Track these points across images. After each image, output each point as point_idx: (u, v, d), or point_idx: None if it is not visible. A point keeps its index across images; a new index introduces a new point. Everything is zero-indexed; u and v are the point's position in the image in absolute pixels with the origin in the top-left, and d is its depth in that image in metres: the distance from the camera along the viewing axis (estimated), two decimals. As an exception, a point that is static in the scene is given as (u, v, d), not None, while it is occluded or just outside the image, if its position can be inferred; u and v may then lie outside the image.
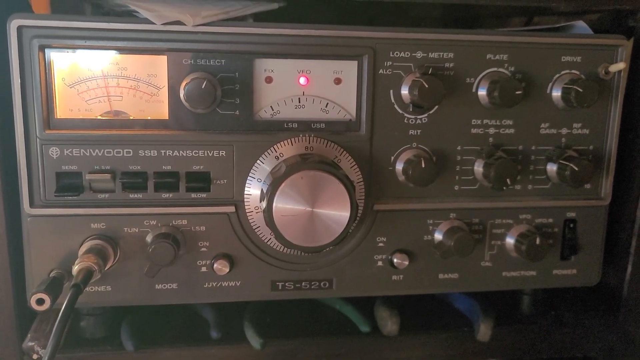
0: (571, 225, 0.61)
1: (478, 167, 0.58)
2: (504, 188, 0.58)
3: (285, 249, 0.56)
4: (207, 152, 0.54)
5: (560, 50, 0.58)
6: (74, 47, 0.51)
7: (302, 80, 0.55)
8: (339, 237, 0.51)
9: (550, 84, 0.58)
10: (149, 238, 0.54)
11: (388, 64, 0.55)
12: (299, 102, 0.55)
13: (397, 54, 0.55)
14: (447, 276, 0.60)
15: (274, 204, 0.50)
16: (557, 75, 0.58)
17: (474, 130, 0.58)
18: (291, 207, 0.50)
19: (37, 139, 0.51)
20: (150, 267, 0.53)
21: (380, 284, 0.59)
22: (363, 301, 0.65)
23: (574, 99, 0.56)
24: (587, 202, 0.61)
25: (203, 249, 0.55)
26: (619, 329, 0.66)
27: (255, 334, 0.60)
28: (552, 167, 0.59)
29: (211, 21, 0.52)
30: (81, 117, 0.52)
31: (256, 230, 0.56)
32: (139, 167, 0.53)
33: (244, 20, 0.54)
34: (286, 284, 0.58)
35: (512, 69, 0.57)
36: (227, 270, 0.55)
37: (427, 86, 0.52)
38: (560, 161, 0.58)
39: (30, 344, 0.56)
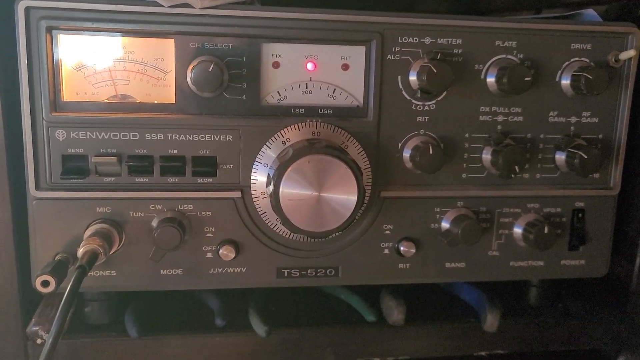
0: (580, 215, 0.61)
1: (486, 155, 0.57)
2: (512, 176, 0.57)
3: (292, 235, 0.56)
4: (214, 137, 0.54)
5: (570, 38, 0.57)
6: (81, 30, 0.51)
7: (309, 65, 0.55)
8: (346, 222, 0.51)
9: (560, 72, 0.58)
10: (154, 222, 0.54)
11: (396, 50, 0.55)
12: (306, 87, 0.55)
13: (405, 39, 0.55)
14: (453, 265, 0.60)
15: (281, 189, 0.50)
16: (567, 62, 0.58)
17: (482, 118, 0.57)
18: (298, 191, 0.50)
19: (44, 121, 0.51)
20: (156, 251, 0.52)
21: (386, 273, 0.59)
22: (368, 291, 0.65)
23: (583, 87, 0.55)
24: (596, 191, 0.61)
25: (209, 235, 0.55)
26: (627, 321, 0.66)
27: (260, 322, 0.59)
28: (560, 156, 0.59)
29: (219, 4, 0.51)
30: (88, 100, 0.52)
31: (262, 216, 0.55)
32: (145, 151, 0.53)
33: (251, 4, 0.54)
34: (292, 271, 0.58)
35: (521, 56, 0.57)
36: (233, 256, 0.55)
37: (435, 71, 0.52)
38: (569, 149, 0.57)
39: (34, 328, 0.55)
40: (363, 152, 0.55)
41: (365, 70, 0.55)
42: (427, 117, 0.56)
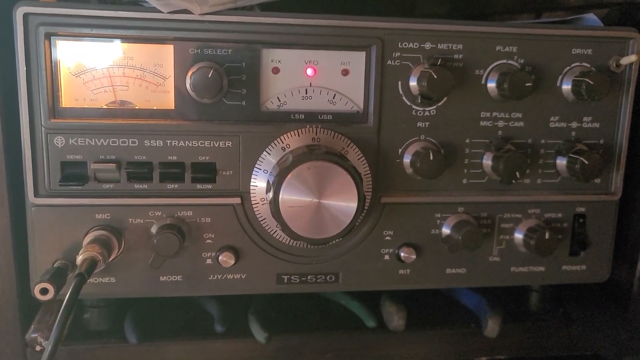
0: (581, 220, 0.61)
1: (487, 161, 0.57)
2: (513, 181, 0.57)
3: (291, 241, 0.56)
4: (213, 143, 0.53)
5: (571, 43, 0.57)
6: (80, 36, 0.51)
7: (309, 71, 0.54)
8: (346, 229, 0.51)
9: (561, 77, 0.57)
10: (153, 229, 0.53)
11: (396, 55, 0.54)
12: (306, 93, 0.55)
13: (405, 44, 0.54)
14: (454, 271, 0.60)
15: (281, 195, 0.50)
16: (568, 67, 0.57)
17: (482, 123, 0.57)
18: (298, 198, 0.50)
19: (42, 128, 0.51)
20: (155, 258, 0.52)
21: (386, 279, 0.59)
22: (369, 296, 0.65)
23: (584, 92, 0.55)
24: (597, 196, 0.60)
25: (208, 241, 0.55)
26: (628, 326, 0.65)
27: (260, 328, 0.59)
28: (561, 161, 0.58)
29: (218, 10, 0.51)
30: (86, 106, 0.52)
31: (262, 222, 0.55)
32: (144, 157, 0.53)
33: (251, 10, 0.54)
34: (292, 277, 0.57)
35: (522, 61, 0.56)
36: (233, 262, 0.55)
37: (436, 77, 0.52)
38: (570, 155, 0.57)
39: (33, 335, 0.55)
40: (363, 158, 0.55)
41: (365, 75, 0.55)
42: (427, 123, 0.56)
